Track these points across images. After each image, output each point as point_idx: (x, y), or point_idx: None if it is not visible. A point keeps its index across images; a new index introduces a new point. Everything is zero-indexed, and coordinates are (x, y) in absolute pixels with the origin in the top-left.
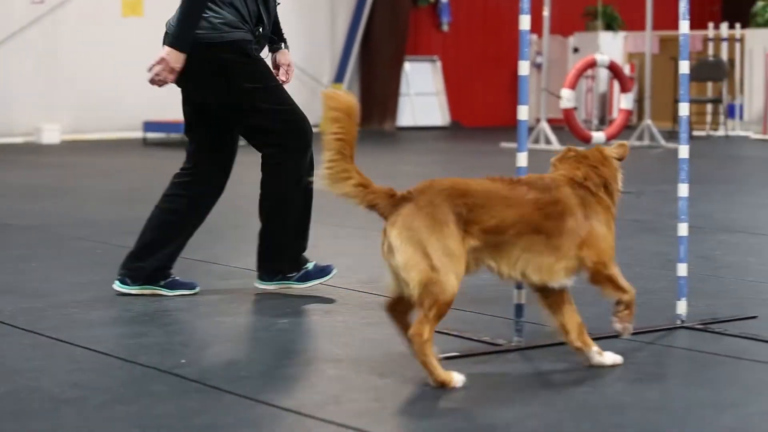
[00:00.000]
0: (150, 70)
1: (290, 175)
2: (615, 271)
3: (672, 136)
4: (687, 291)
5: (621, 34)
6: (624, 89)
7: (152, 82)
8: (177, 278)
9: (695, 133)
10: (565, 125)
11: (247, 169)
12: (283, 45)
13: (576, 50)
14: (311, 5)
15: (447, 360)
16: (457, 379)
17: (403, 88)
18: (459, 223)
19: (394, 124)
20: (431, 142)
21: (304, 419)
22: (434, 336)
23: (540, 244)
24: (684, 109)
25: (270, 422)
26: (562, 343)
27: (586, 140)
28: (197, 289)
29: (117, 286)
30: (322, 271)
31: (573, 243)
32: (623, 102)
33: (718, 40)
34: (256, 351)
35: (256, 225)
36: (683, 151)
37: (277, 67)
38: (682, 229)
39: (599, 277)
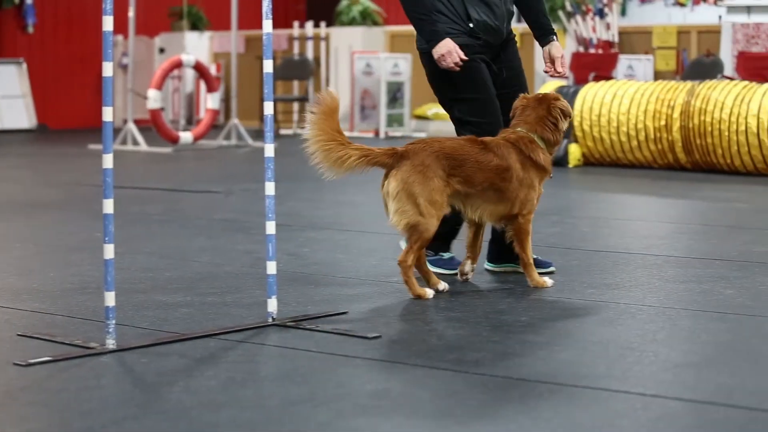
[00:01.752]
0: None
1: None
2: (529, 227)
3: (259, 134)
4: (277, 289)
5: (207, 34)
6: (210, 89)
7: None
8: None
9: (282, 131)
10: (153, 126)
11: None
12: (554, 37)
13: (162, 51)
14: None
15: (39, 365)
16: (429, 292)
17: None
18: (444, 176)
19: None
20: (17, 145)
21: None
22: (24, 342)
23: (494, 197)
24: (269, 107)
25: None
26: (154, 345)
27: (174, 140)
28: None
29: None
30: (544, 263)
31: (514, 197)
32: (210, 102)
33: (303, 38)
34: None
35: None
36: (269, 149)
37: (551, 60)
38: (270, 227)
39: (519, 225)
